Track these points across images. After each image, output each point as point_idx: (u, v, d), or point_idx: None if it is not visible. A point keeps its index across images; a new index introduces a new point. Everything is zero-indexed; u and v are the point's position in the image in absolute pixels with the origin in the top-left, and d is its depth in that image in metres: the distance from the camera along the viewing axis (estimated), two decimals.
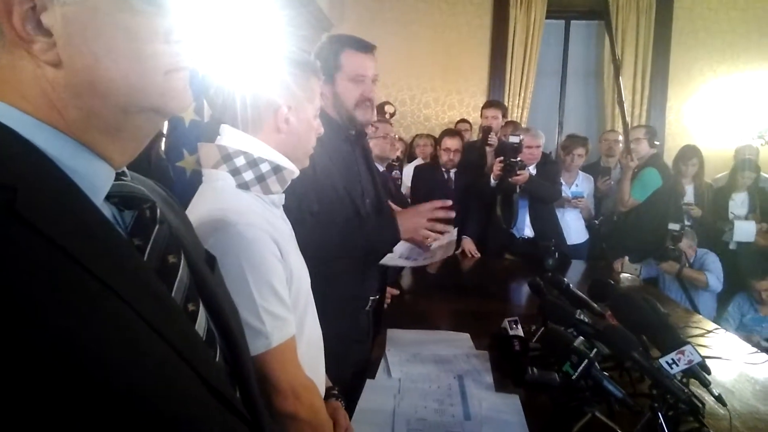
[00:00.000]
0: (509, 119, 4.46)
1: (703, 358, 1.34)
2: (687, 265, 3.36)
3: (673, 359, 1.30)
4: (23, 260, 0.40)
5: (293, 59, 1.08)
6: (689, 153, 4.00)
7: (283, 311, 0.93)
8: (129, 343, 0.45)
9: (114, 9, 0.49)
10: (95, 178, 0.50)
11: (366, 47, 1.66)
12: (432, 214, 1.61)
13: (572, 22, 5.37)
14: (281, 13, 3.05)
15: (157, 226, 0.55)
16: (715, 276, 3.34)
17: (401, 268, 2.53)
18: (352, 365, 1.62)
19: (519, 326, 1.73)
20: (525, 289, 2.38)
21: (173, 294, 0.54)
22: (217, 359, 0.59)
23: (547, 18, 5.09)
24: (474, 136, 4.53)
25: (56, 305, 0.40)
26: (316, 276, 1.14)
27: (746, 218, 3.87)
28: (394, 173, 3.65)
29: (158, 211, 0.56)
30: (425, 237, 1.63)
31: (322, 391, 1.11)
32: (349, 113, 1.66)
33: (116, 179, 0.53)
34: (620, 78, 3.90)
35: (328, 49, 1.65)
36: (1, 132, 0.46)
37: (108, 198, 0.52)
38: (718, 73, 4.98)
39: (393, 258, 1.77)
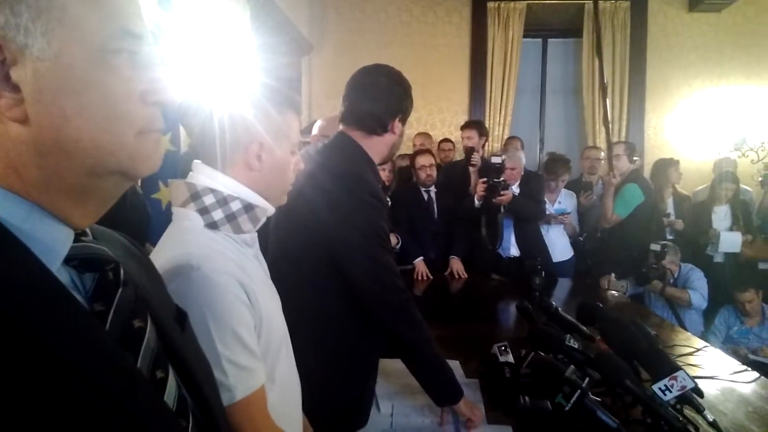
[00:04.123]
0: (487, 137, 4.45)
1: (695, 381, 1.32)
2: (670, 282, 3.37)
3: (666, 385, 1.29)
4: None
5: (269, 93, 1.02)
6: (665, 164, 4.04)
7: (249, 361, 0.86)
8: (90, 422, 0.41)
9: (90, 66, 0.46)
10: (52, 242, 0.47)
11: None
12: None
13: (549, 40, 5.46)
14: (263, 41, 3.05)
15: (120, 289, 0.51)
16: (698, 293, 3.35)
17: None
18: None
19: (509, 351, 1.70)
20: (513, 311, 2.35)
21: (139, 362, 0.50)
22: (190, 429, 0.55)
23: (524, 37, 5.15)
24: (457, 155, 4.53)
25: (6, 382, 0.37)
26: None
27: (730, 230, 3.91)
28: None
29: (122, 271, 0.52)
30: None
31: None
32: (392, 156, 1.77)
33: (76, 240, 0.50)
34: (606, 98, 3.93)
35: (402, 92, 1.58)
36: None
37: (67, 261, 0.48)
38: (693, 88, 5.08)
39: None
